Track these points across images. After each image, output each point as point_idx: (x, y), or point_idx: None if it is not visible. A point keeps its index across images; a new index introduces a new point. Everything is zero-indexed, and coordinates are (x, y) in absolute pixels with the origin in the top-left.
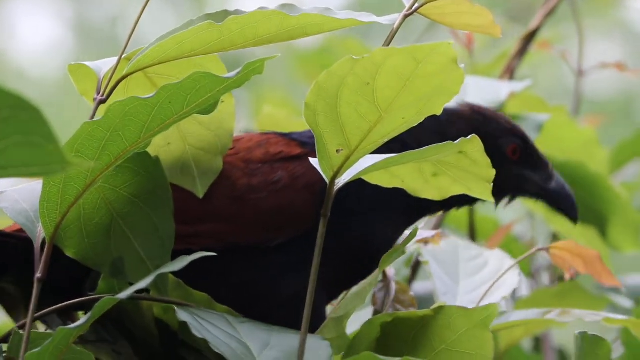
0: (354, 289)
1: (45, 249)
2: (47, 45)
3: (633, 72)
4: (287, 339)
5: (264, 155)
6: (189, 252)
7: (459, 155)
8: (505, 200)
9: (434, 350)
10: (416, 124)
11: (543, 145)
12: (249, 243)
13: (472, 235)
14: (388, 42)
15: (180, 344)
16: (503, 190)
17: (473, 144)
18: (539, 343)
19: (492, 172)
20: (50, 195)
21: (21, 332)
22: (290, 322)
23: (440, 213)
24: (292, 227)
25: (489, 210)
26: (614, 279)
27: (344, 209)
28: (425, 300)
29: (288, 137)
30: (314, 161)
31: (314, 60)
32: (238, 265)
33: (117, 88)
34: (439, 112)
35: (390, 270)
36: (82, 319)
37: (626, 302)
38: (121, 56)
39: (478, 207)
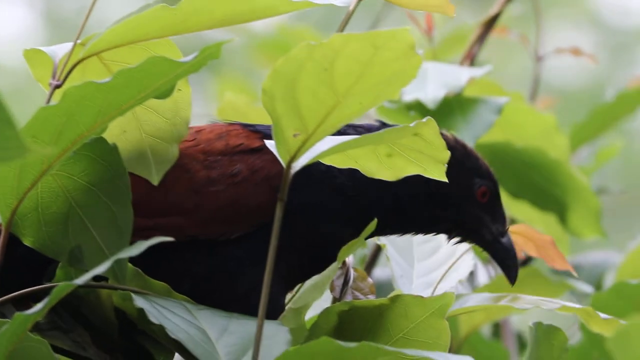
0: (313, 279)
1: (2, 235)
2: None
3: (589, 58)
4: (246, 325)
5: (224, 147)
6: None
7: (415, 138)
8: (456, 238)
9: (391, 338)
10: None
11: (502, 131)
12: (208, 236)
13: None
14: (343, 25)
15: (139, 332)
16: (459, 226)
17: (429, 127)
18: (498, 329)
19: (447, 154)
20: (6, 180)
21: None
22: (249, 313)
23: None
24: (251, 220)
25: None
26: (566, 264)
27: (303, 202)
28: (385, 286)
29: (252, 128)
30: (269, 144)
31: (273, 47)
32: (197, 258)
33: (74, 75)
34: (395, 97)
35: (349, 257)
36: (39, 304)
37: (586, 287)
38: (76, 41)
39: None
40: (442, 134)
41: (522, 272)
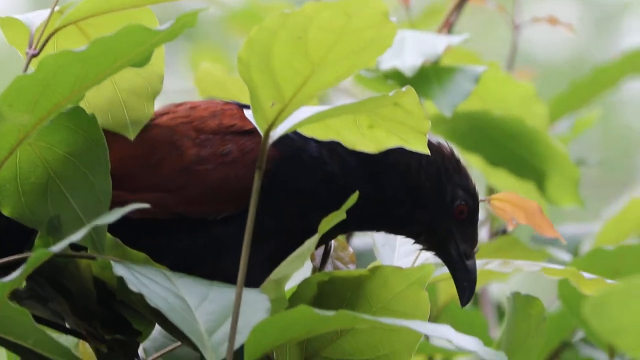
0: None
1: None
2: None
3: (566, 27)
4: (226, 293)
5: (217, 126)
6: (132, 221)
7: (395, 107)
8: (422, 245)
9: (371, 309)
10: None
11: (481, 100)
12: (195, 215)
13: None
14: None
15: (118, 302)
16: (429, 234)
17: (409, 96)
18: (477, 298)
19: (428, 124)
20: None
21: None
22: None
23: None
24: (239, 201)
25: None
26: (554, 231)
27: (296, 187)
28: (366, 255)
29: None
30: (247, 113)
31: (247, 18)
32: (181, 235)
33: (51, 43)
34: (372, 66)
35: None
36: (16, 271)
37: (564, 256)
38: (53, 9)
39: None
40: (439, 143)
41: (501, 240)
